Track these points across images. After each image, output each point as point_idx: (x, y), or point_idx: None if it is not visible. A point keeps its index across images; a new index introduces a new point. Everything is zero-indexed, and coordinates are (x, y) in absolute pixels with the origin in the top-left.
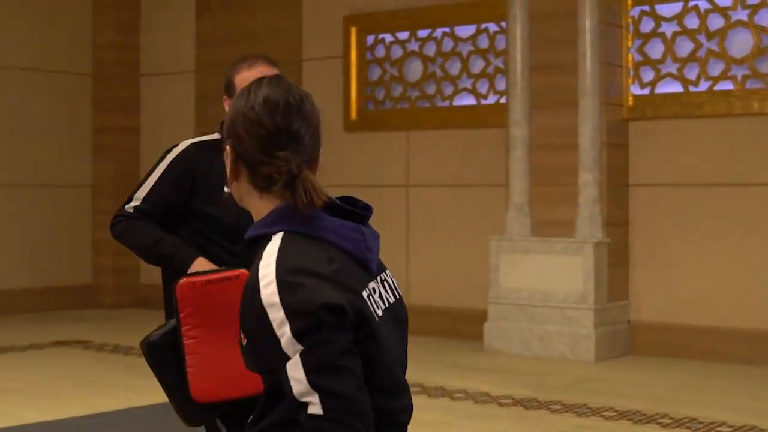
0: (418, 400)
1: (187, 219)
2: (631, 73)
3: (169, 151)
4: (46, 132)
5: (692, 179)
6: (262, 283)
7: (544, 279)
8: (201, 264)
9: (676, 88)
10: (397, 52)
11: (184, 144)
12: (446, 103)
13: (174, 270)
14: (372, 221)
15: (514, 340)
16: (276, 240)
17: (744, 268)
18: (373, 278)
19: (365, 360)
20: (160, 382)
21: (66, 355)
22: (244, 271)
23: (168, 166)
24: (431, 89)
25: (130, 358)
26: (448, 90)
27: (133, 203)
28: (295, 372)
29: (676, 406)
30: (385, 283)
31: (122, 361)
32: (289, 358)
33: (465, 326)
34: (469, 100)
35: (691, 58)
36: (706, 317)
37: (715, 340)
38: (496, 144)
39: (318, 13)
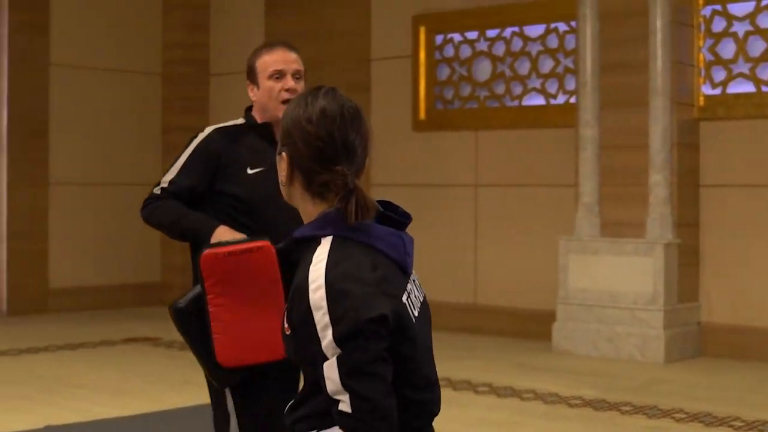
0: (486, 400)
1: (213, 200)
2: (703, 72)
3: (195, 137)
4: (116, 131)
5: (764, 180)
6: (311, 286)
7: (614, 280)
8: (223, 232)
9: (748, 88)
10: (466, 51)
11: (208, 130)
12: (515, 103)
13: (198, 242)
14: (440, 221)
15: (582, 340)
16: (326, 243)
17: None
18: (408, 280)
19: (402, 359)
20: (189, 346)
21: (136, 351)
22: (266, 242)
23: (193, 150)
24: (500, 89)
25: None
26: (517, 90)
27: (161, 186)
28: (331, 372)
29: (748, 409)
30: (415, 282)
31: (191, 358)
32: (327, 358)
33: (533, 326)
34: (538, 100)
35: (764, 57)
36: None
37: None
38: (566, 144)
39: (387, 12)
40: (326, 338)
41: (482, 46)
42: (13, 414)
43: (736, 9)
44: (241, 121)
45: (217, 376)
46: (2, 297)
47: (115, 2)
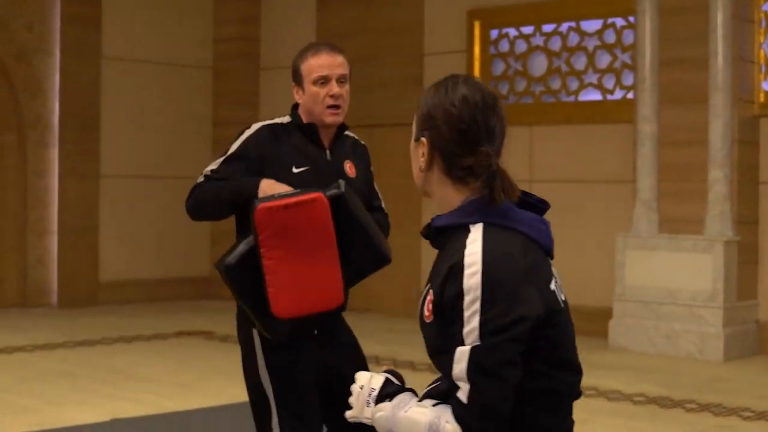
0: None
1: None
2: (763, 68)
3: (243, 132)
4: (167, 124)
5: None
6: (467, 271)
7: (672, 277)
8: (268, 186)
9: None
10: (521, 46)
11: (255, 126)
12: (571, 98)
13: (245, 200)
14: None
15: (639, 338)
16: (477, 230)
17: None
18: (551, 265)
19: (548, 344)
20: (241, 302)
21: (190, 345)
22: (319, 194)
23: (240, 144)
24: (556, 84)
25: None
26: (574, 85)
27: (203, 174)
28: (461, 358)
29: None
30: (553, 268)
31: None
32: (462, 343)
33: (590, 323)
34: (594, 95)
35: None
36: None
37: None
38: (623, 139)
39: (441, 7)
40: (471, 324)
41: (538, 41)
42: (78, 406)
43: None
44: (287, 119)
45: (272, 330)
46: (53, 290)
47: None
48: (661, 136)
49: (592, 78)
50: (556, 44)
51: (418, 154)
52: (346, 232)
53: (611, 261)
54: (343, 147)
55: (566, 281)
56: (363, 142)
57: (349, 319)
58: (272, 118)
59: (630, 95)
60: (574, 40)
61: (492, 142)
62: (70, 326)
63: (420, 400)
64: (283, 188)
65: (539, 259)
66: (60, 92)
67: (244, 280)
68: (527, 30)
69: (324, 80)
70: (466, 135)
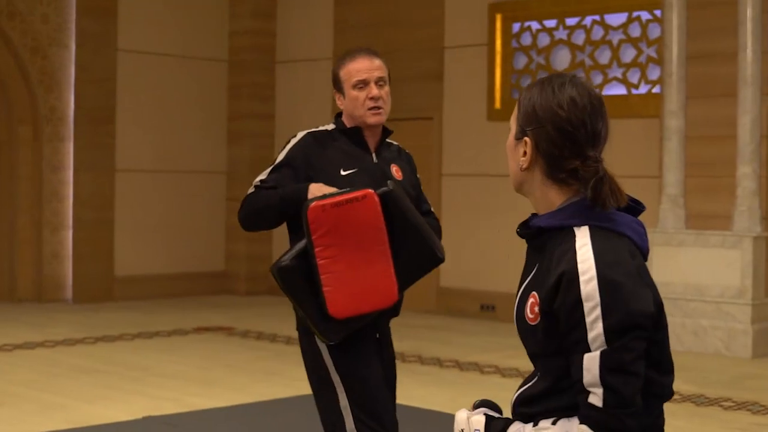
0: None
1: None
2: None
3: (288, 141)
4: (182, 118)
5: None
6: (582, 277)
7: (699, 273)
8: (318, 188)
9: None
10: (544, 40)
11: (301, 133)
12: None
13: (296, 205)
14: (516, 213)
15: None
16: (583, 234)
17: None
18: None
19: (656, 345)
20: (295, 304)
21: (212, 341)
22: (369, 191)
23: (287, 152)
24: None
25: (277, 345)
26: (598, 79)
27: (253, 185)
28: (591, 365)
29: None
30: None
31: (269, 348)
32: (589, 350)
33: None
34: (619, 90)
35: None
36: None
37: None
38: (648, 134)
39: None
40: (595, 330)
41: (561, 34)
42: (107, 404)
43: None
44: (331, 126)
45: (327, 332)
46: (67, 285)
47: None
48: (689, 131)
49: (617, 72)
50: (579, 38)
51: (519, 152)
52: (398, 231)
53: None
54: (388, 151)
55: None
56: (407, 151)
57: None
58: (316, 126)
59: (655, 90)
60: (598, 33)
61: (598, 146)
62: (88, 322)
63: (518, 413)
64: (331, 190)
65: (642, 262)
66: (75, 85)
67: (298, 281)
68: (550, 23)
69: (363, 84)
70: (574, 139)
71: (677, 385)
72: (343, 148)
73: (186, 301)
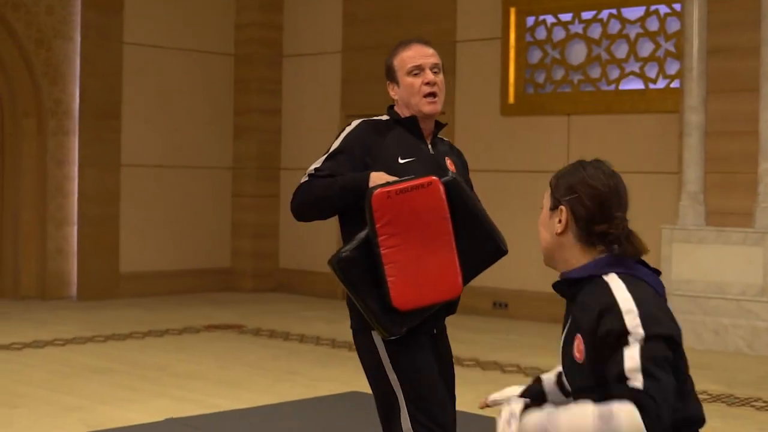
0: None
1: None
2: None
3: (343, 130)
4: (188, 112)
5: None
6: (621, 304)
7: (720, 270)
8: (379, 176)
9: None
10: (559, 34)
11: (356, 122)
12: (611, 87)
13: (358, 194)
14: (529, 208)
15: (686, 332)
16: (614, 279)
17: None
18: None
19: (679, 375)
20: (355, 297)
21: (224, 339)
22: (434, 178)
23: (343, 140)
24: (595, 72)
25: (292, 343)
26: (614, 74)
27: (307, 173)
28: (633, 353)
29: None
30: None
31: (283, 346)
32: (628, 344)
33: None
34: (636, 84)
35: None
36: None
37: None
38: (666, 130)
39: None
40: (636, 333)
41: (577, 28)
42: (124, 404)
43: None
44: (385, 117)
45: (389, 325)
46: (72, 281)
47: None
48: (709, 127)
49: (634, 66)
50: (595, 32)
51: (554, 221)
52: (462, 222)
53: (656, 254)
54: (442, 144)
55: None
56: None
57: None
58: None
59: (674, 84)
60: (614, 27)
61: (622, 204)
62: (94, 319)
63: None
64: (393, 179)
65: (665, 303)
66: (80, 78)
67: (359, 273)
68: (565, 17)
69: (418, 69)
70: (605, 205)
71: (705, 385)
72: (399, 137)
73: (192, 298)
